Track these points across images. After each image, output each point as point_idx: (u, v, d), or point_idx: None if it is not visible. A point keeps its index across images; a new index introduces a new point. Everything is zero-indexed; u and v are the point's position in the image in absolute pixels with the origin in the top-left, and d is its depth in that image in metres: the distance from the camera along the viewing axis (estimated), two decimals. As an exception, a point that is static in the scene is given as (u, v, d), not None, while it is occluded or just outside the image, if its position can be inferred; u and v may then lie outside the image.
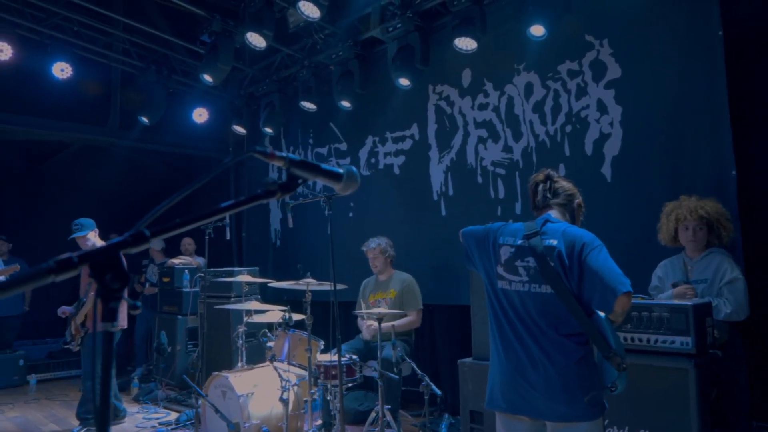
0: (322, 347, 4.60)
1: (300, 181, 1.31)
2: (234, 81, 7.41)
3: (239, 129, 7.35)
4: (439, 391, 4.12)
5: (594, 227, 2.34)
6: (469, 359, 4.10)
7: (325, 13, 5.40)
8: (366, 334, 4.99)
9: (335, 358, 4.41)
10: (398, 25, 5.31)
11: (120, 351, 7.60)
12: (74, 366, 7.33)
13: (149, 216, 1.27)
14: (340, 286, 4.19)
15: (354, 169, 1.32)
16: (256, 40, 5.64)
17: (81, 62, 6.89)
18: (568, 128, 4.60)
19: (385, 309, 4.75)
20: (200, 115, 7.45)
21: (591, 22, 4.44)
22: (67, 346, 5.19)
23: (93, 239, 5.12)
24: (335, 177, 1.31)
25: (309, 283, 4.44)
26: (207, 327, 5.84)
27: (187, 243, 7.35)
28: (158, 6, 7.11)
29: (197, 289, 6.51)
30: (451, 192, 5.46)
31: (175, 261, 7.05)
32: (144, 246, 1.24)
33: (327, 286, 4.48)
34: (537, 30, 4.42)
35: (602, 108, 4.38)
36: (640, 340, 3.15)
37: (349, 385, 4.40)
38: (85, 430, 4.98)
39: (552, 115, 4.72)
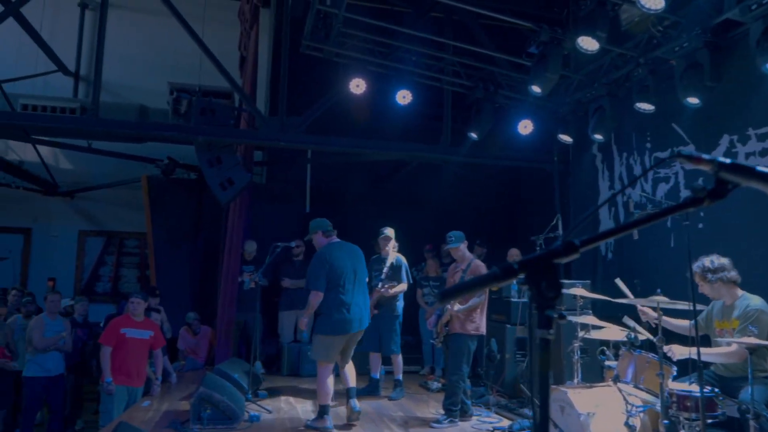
0: (675, 373, 4.12)
1: (730, 186, 1.16)
2: (558, 89, 7.30)
3: (565, 138, 7.21)
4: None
5: None
6: None
7: (667, 3, 4.91)
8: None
9: (692, 387, 3.92)
10: (764, 1, 4.50)
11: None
12: (412, 362, 8.05)
13: (574, 226, 1.25)
14: (699, 306, 3.69)
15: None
16: (587, 43, 5.44)
17: (418, 87, 7.64)
18: None
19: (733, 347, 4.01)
20: (525, 127, 7.55)
21: None
22: (432, 342, 6.10)
23: (464, 249, 5.71)
24: (772, 180, 1.12)
25: (659, 302, 4.03)
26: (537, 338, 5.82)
27: (514, 254, 7.45)
28: (483, 26, 7.47)
29: (525, 299, 6.55)
30: (843, 197, 4.37)
31: (502, 271, 7.22)
32: (574, 256, 1.20)
33: (681, 305, 4.02)
34: None
35: None
36: None
37: (709, 421, 3.84)
38: (449, 420, 5.44)
39: None
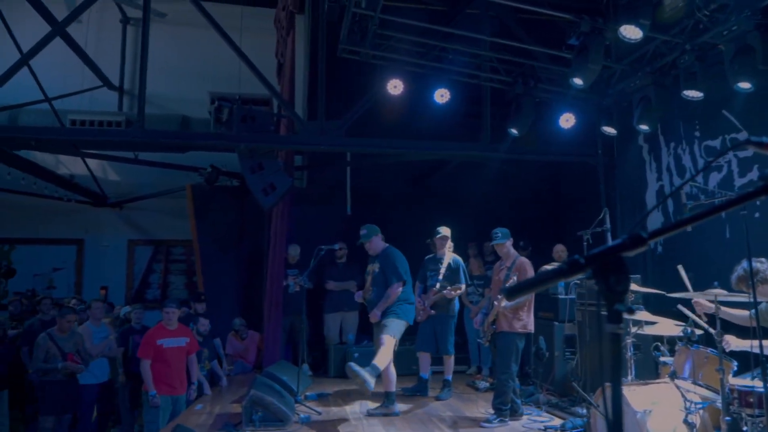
0: (736, 369, 3.98)
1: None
2: (600, 81, 7.13)
3: (609, 130, 7.05)
4: None
5: None
6: None
7: (713, -14, 4.75)
8: None
9: (755, 383, 3.77)
10: (818, -21, 4.31)
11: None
12: (459, 362, 7.97)
13: (641, 219, 1.21)
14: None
15: None
16: (630, 32, 5.31)
17: (455, 86, 7.58)
18: None
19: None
20: (567, 120, 7.41)
21: None
22: (479, 341, 6.10)
23: (509, 246, 5.75)
24: None
25: (717, 295, 3.90)
26: (586, 335, 5.73)
27: (560, 250, 7.33)
28: (520, 20, 7.38)
29: (573, 296, 6.43)
30: None
31: (548, 268, 7.11)
32: (642, 248, 1.17)
33: (740, 297, 3.87)
34: None
35: None
36: None
37: (774, 417, 3.68)
38: (499, 419, 5.40)
39: None
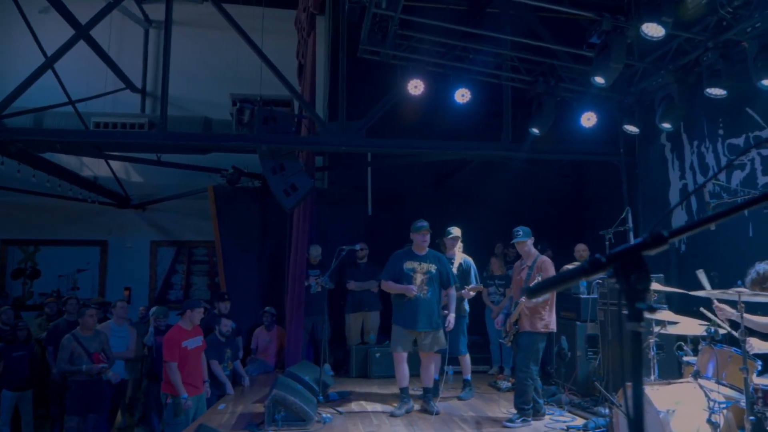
0: (760, 368, 3.93)
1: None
2: (622, 79, 7.07)
3: (631, 128, 6.98)
4: None
5: None
6: None
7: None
8: None
9: (781, 383, 3.73)
10: None
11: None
12: (481, 362, 7.99)
13: (662, 217, 1.22)
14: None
15: None
16: (653, 30, 5.26)
17: (476, 85, 7.56)
18: None
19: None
20: (588, 119, 7.35)
21: None
22: (501, 341, 6.19)
23: (530, 245, 5.75)
24: None
25: (741, 293, 3.85)
26: (609, 335, 5.70)
27: (581, 249, 7.29)
28: (541, 19, 7.35)
29: (595, 295, 6.39)
30: None
31: (569, 267, 7.06)
32: (663, 247, 1.18)
33: (765, 298, 3.82)
34: None
35: None
36: None
37: (801, 418, 3.64)
38: (521, 419, 5.40)
39: None
